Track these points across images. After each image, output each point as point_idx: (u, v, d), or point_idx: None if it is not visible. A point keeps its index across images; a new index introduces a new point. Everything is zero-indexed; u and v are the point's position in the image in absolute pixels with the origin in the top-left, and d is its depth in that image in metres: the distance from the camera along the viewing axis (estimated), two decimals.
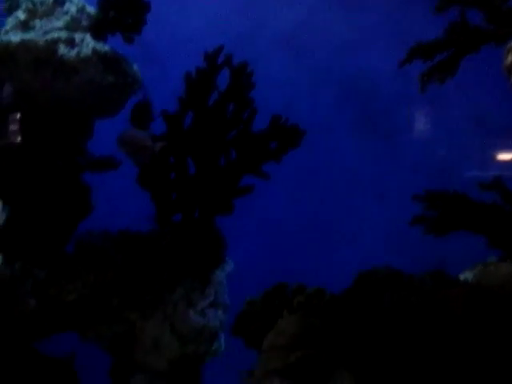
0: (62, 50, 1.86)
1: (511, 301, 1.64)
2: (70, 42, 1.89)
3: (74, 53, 1.88)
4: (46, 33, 1.90)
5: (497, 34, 1.64)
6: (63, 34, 1.90)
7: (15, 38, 1.85)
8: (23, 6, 2.00)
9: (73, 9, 2.02)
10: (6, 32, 1.94)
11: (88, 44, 1.92)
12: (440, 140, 3.45)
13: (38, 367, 1.79)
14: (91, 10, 2.08)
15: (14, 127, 1.88)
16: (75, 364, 2.00)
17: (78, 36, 1.91)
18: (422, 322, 1.62)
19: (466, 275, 1.92)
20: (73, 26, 2.00)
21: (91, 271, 1.76)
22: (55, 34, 1.89)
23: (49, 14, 2.01)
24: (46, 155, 1.79)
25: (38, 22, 1.96)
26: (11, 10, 2.03)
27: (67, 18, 1.99)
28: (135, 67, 2.11)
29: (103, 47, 1.94)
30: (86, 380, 2.05)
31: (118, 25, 2.05)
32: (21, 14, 1.98)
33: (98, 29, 2.04)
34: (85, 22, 2.02)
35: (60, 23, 1.97)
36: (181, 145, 2.04)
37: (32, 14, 2.00)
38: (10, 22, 1.99)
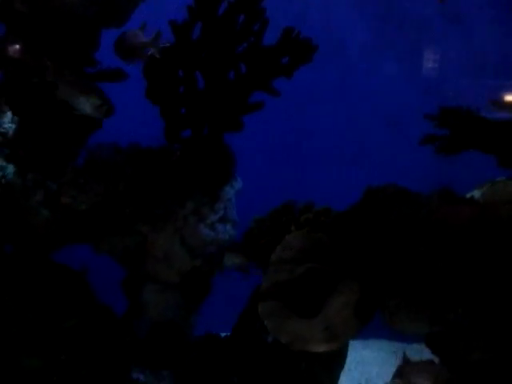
0: None
1: None
2: None
3: None
4: None
5: None
6: None
7: None
8: None
9: None
10: None
11: None
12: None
13: (52, 278, 1.85)
14: None
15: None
16: (88, 276, 2.07)
17: None
18: (427, 235, 1.65)
19: (474, 193, 1.93)
20: None
21: (102, 182, 1.77)
22: None
23: None
24: (54, 65, 1.74)
25: None
26: None
27: None
28: None
29: None
30: (99, 291, 2.14)
31: None
32: None
33: None
34: None
35: None
36: (189, 57, 1.98)
37: None
38: None
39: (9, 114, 1.84)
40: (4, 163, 1.82)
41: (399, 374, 1.81)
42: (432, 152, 2.04)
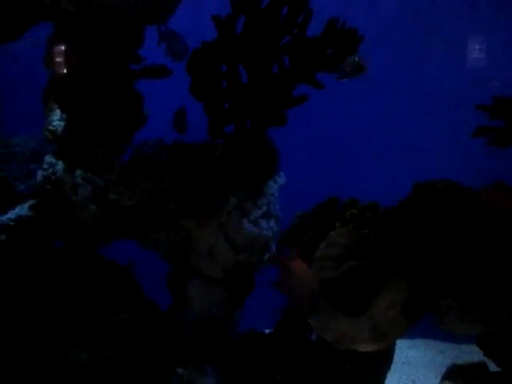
0: None
1: None
2: None
3: None
4: None
5: None
6: None
7: None
8: None
9: None
10: None
11: None
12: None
13: (100, 273, 1.88)
14: None
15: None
16: (135, 270, 2.10)
17: None
18: (478, 228, 1.57)
19: None
20: None
21: (148, 179, 1.79)
22: None
23: None
24: (100, 63, 1.77)
25: None
26: None
27: None
28: None
29: None
30: (145, 285, 2.16)
31: None
32: None
33: None
34: None
35: None
36: (233, 51, 1.97)
37: None
38: None
39: (58, 112, 1.88)
40: (53, 160, 1.87)
41: (448, 375, 1.75)
42: (484, 146, 1.95)
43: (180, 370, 1.74)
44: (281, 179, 2.13)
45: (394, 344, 1.98)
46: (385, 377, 1.94)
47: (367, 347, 1.65)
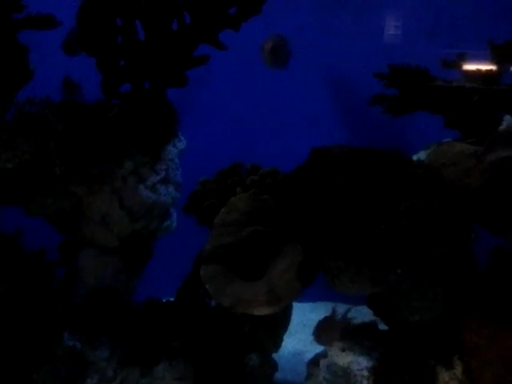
0: None
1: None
2: None
3: None
4: None
5: None
6: None
7: None
8: None
9: None
10: None
11: None
12: None
13: None
14: None
15: None
16: (22, 240, 1.94)
17: None
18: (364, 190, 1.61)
19: (420, 155, 1.91)
20: None
21: (31, 139, 1.63)
22: None
23: None
24: None
25: None
26: None
27: None
28: None
29: None
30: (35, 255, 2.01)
31: None
32: None
33: None
34: None
35: None
36: (128, 3, 1.83)
37: None
38: None
39: None
40: None
41: (341, 336, 1.81)
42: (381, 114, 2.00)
43: (72, 343, 1.65)
44: (181, 143, 2.05)
45: (291, 307, 2.02)
46: (281, 339, 1.97)
47: (263, 310, 1.66)
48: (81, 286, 1.88)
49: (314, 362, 1.85)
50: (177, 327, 1.87)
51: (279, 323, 1.92)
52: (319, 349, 1.95)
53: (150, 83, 2.00)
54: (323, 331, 1.89)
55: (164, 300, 1.97)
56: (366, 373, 1.65)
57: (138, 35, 1.95)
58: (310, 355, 1.96)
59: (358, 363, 1.67)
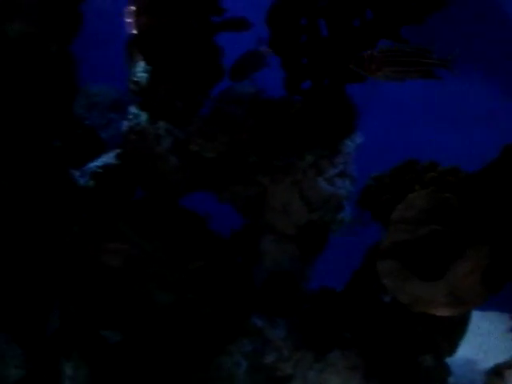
0: None
1: None
2: None
3: None
4: None
5: None
6: None
7: None
8: None
9: None
10: None
11: None
12: None
13: (180, 221, 1.94)
14: None
15: None
16: (210, 222, 2.15)
17: None
18: None
19: None
20: None
21: (227, 132, 1.80)
22: None
23: None
24: (180, 14, 1.77)
25: None
26: None
27: None
28: None
29: None
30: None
31: None
32: None
33: None
34: None
35: None
36: (314, 3, 1.90)
37: None
38: None
39: (141, 64, 1.92)
40: (138, 111, 1.92)
41: None
42: None
43: (253, 320, 1.79)
44: (358, 138, 2.08)
45: (470, 314, 1.93)
46: (457, 345, 1.90)
47: (443, 312, 1.61)
48: (261, 268, 2.02)
49: (496, 372, 1.74)
50: (349, 318, 1.92)
51: (456, 328, 1.85)
52: (492, 358, 1.84)
53: (331, 79, 2.06)
54: None
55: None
56: None
57: (322, 33, 2.02)
58: (482, 364, 1.86)
59: None
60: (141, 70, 1.93)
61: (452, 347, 1.89)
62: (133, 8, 1.85)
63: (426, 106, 2.96)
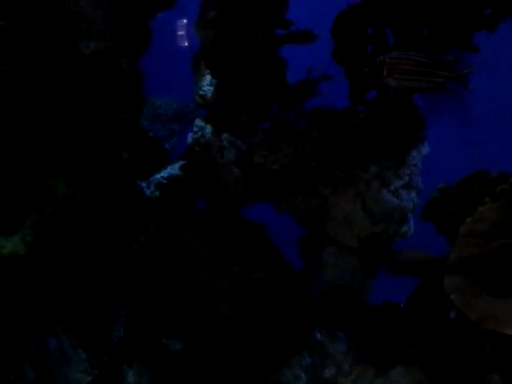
0: None
1: None
2: None
3: None
4: None
5: None
6: None
7: None
8: None
9: None
10: None
11: None
12: None
13: (241, 232, 1.96)
14: None
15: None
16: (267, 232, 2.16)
17: None
18: None
19: None
20: None
21: (290, 144, 1.81)
22: None
23: None
24: (246, 30, 1.80)
25: None
26: None
27: None
28: None
29: None
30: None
31: None
32: None
33: None
34: None
35: None
36: (380, 12, 1.88)
37: None
38: None
39: (207, 78, 1.97)
40: (203, 123, 1.97)
41: None
42: None
43: (316, 333, 1.78)
44: (424, 149, 2.03)
45: None
46: None
47: None
48: (321, 280, 2.01)
49: None
50: (412, 334, 1.86)
51: None
52: None
53: (395, 89, 2.02)
54: None
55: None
56: None
57: (389, 42, 1.99)
58: None
59: None
60: (207, 84, 1.98)
61: None
62: (185, 21, 1.91)
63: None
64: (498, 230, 1.84)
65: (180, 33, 2.04)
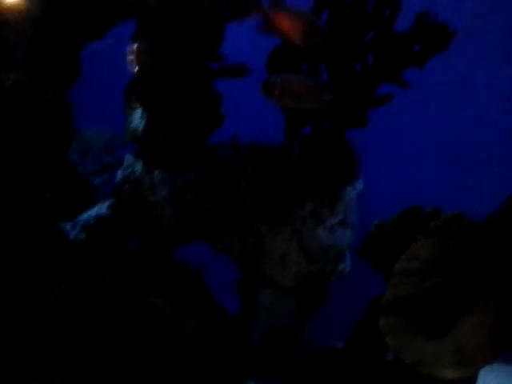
0: None
1: None
2: None
3: None
4: None
5: None
6: None
7: None
8: None
9: None
10: None
11: None
12: None
13: (173, 275, 1.86)
14: None
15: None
16: (204, 275, 2.07)
17: None
18: None
19: None
20: None
21: (224, 181, 1.74)
22: None
23: None
24: (180, 60, 1.74)
25: None
26: None
27: None
28: None
29: None
30: (213, 290, 2.12)
31: None
32: None
33: None
34: None
35: None
36: (314, 48, 1.87)
37: None
38: None
39: (139, 111, 1.89)
40: (133, 159, 1.88)
41: None
42: None
43: (249, 381, 1.70)
44: (359, 185, 2.02)
45: (478, 373, 1.82)
46: None
47: (449, 374, 1.52)
48: (258, 323, 1.93)
49: None
50: (349, 379, 1.82)
51: None
52: None
53: (331, 124, 2.02)
54: None
55: (329, 343, 1.93)
56: None
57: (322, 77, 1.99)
58: None
59: None
60: (138, 117, 1.90)
61: None
62: (136, 46, 1.84)
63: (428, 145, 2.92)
64: (432, 267, 1.83)
65: (130, 57, 1.97)
